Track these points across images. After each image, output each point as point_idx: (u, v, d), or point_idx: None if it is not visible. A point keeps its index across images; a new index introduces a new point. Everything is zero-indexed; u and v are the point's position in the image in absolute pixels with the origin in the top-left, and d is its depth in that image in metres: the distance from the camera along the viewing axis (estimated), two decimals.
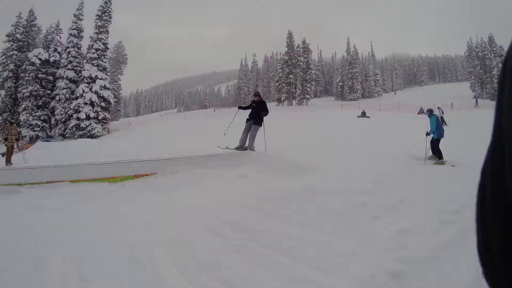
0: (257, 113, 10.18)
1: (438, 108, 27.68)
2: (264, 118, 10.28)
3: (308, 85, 71.77)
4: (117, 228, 4.99)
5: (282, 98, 71.65)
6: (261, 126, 10.25)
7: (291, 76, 70.38)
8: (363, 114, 36.19)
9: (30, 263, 3.82)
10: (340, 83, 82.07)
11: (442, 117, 20.68)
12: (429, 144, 10.61)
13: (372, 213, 5.11)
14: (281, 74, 72.22)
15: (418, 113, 36.76)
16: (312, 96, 74.03)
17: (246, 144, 10.11)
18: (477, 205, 0.64)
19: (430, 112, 11.23)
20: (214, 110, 63.82)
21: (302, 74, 70.95)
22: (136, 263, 3.78)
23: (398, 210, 5.23)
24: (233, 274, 3.44)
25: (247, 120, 10.34)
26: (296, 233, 4.43)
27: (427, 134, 10.69)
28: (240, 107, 10.94)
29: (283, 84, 71.44)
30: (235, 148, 9.89)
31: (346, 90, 79.43)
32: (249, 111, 10.54)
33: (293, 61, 70.71)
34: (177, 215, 5.50)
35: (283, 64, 72.29)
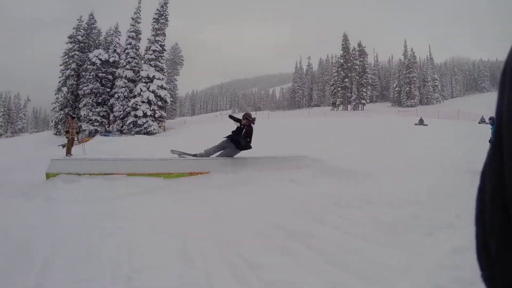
0: (239, 137, 8.77)
1: None
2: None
3: (363, 90, 70.51)
4: (169, 221, 5.06)
5: (337, 103, 70.70)
6: (239, 151, 8.93)
7: (346, 80, 69.48)
8: (421, 122, 34.57)
9: (84, 249, 3.88)
10: (397, 88, 79.83)
11: None
12: None
13: (426, 227, 4.79)
14: (336, 77, 71.54)
15: (479, 123, 35.19)
16: (367, 101, 72.74)
17: (205, 156, 9.02)
18: (477, 207, 0.68)
19: (492, 121, 10.80)
20: (269, 113, 63.98)
21: (357, 78, 69.85)
22: (187, 256, 3.77)
23: (453, 226, 4.84)
24: (278, 276, 3.33)
25: (229, 136, 8.98)
26: (345, 241, 4.26)
27: (491, 141, 9.72)
28: (230, 117, 9.43)
29: (338, 88, 70.62)
30: (193, 154, 9.12)
31: (403, 95, 77.15)
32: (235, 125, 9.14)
33: (349, 64, 69.81)
34: (229, 213, 5.49)
35: (338, 68, 71.56)
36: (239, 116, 9.59)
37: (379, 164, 10.12)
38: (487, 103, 63.36)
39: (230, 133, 8.96)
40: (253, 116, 9.13)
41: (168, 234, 4.42)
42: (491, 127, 10.35)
